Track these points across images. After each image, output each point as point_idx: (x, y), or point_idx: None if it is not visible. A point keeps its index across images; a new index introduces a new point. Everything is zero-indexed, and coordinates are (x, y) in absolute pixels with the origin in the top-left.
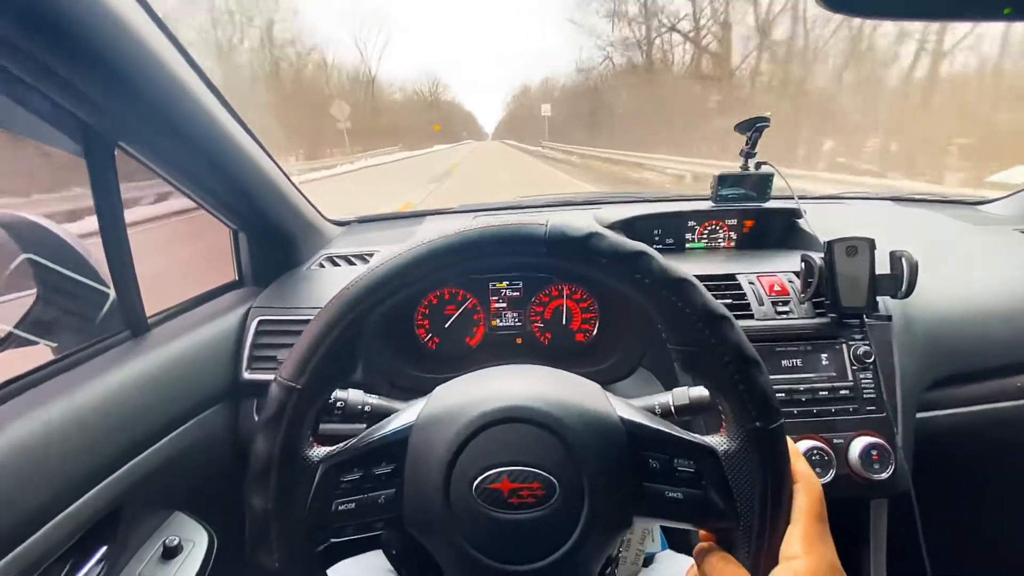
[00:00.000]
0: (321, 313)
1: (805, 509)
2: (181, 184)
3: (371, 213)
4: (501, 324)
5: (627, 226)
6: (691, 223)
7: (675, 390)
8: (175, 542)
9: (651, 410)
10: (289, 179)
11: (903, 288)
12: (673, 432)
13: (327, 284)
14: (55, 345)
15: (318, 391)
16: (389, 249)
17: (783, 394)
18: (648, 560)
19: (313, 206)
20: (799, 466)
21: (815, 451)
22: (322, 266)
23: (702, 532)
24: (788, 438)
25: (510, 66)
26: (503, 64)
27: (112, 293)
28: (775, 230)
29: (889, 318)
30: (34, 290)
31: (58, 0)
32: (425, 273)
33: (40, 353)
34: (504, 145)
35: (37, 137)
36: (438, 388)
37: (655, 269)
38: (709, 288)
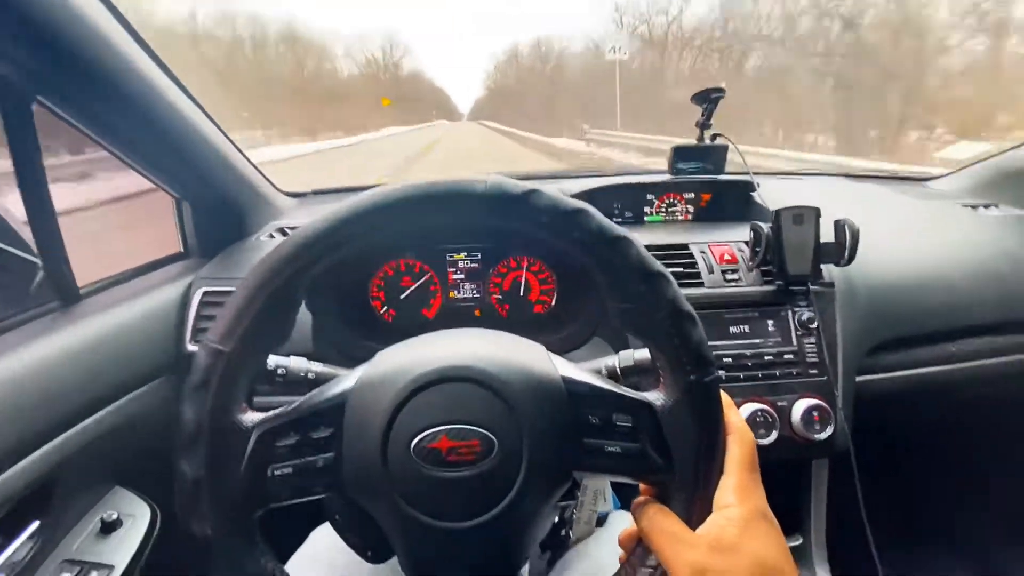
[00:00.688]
0: (250, 274)
1: (738, 459)
2: (115, 148)
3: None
4: (459, 296)
5: (587, 198)
6: (649, 196)
7: (621, 353)
8: (113, 516)
9: (597, 371)
10: (237, 147)
11: (845, 256)
12: (612, 388)
13: None
14: None
15: (248, 355)
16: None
17: (730, 359)
18: (601, 520)
19: (265, 176)
20: (732, 417)
21: (760, 413)
22: (272, 237)
23: (641, 487)
24: (722, 393)
25: (490, 31)
26: (483, 31)
27: (39, 262)
28: (730, 203)
29: (832, 285)
30: None
31: None
32: (361, 231)
33: None
34: (484, 128)
35: None
36: (379, 352)
37: (594, 227)
38: (661, 257)
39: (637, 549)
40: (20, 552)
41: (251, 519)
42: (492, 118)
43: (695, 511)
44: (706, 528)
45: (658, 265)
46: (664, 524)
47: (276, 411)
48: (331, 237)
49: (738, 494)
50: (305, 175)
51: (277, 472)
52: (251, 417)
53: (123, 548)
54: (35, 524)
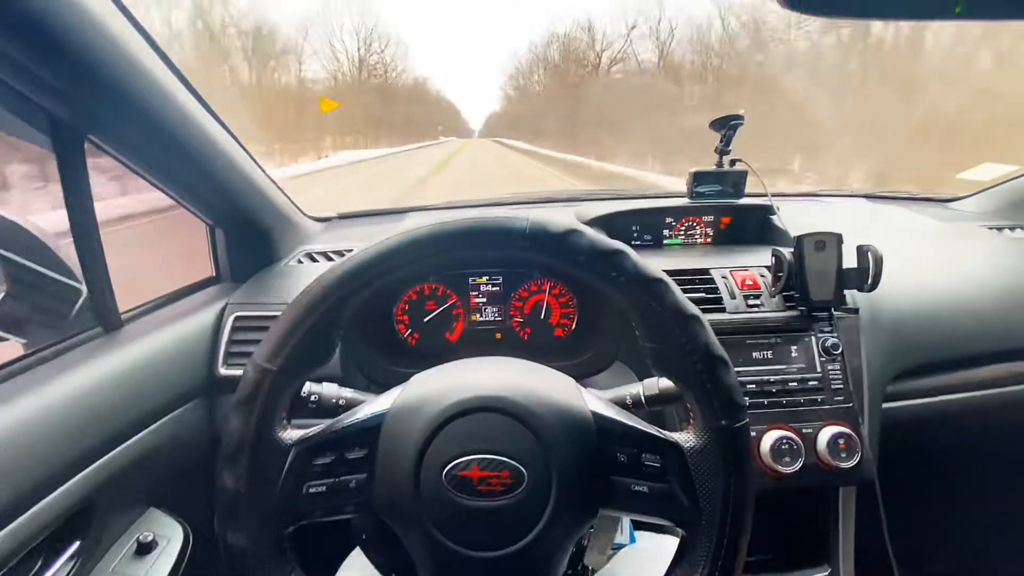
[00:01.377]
0: (299, 297)
1: None
2: (154, 178)
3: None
4: (481, 319)
5: (606, 222)
6: (668, 219)
7: (646, 380)
8: (149, 538)
9: (622, 400)
10: (267, 174)
11: (869, 281)
12: (642, 427)
13: (305, 280)
14: (25, 342)
15: (292, 374)
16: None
17: (754, 385)
18: (617, 550)
19: (292, 202)
20: None
21: (785, 440)
22: (300, 262)
23: None
24: None
25: (501, 45)
26: (493, 43)
27: (84, 289)
28: (750, 226)
29: (856, 311)
30: (3, 286)
31: None
32: (406, 262)
33: (10, 350)
34: (501, 147)
35: (4, 130)
36: (414, 377)
37: (630, 268)
38: (683, 282)
39: None
40: (62, 572)
41: (283, 534)
42: (511, 134)
43: None
44: None
45: (693, 308)
46: None
47: (315, 429)
48: (382, 265)
49: None
50: None
51: (312, 489)
52: (291, 434)
53: (158, 569)
54: (75, 545)
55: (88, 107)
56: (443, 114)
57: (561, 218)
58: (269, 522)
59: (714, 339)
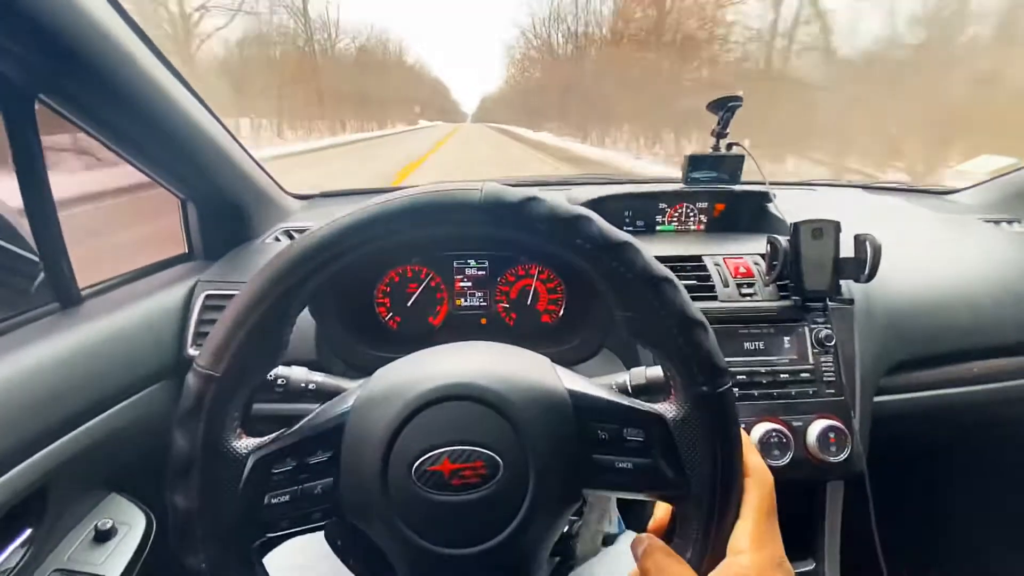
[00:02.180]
0: (241, 293)
1: (755, 504)
2: (119, 148)
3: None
4: (465, 304)
5: (596, 206)
6: (662, 205)
7: (633, 370)
8: (108, 525)
9: (607, 388)
10: (244, 148)
11: (866, 272)
12: (621, 401)
13: None
14: None
15: (240, 379)
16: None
17: (744, 376)
18: (607, 540)
19: (272, 178)
20: (752, 459)
21: (774, 433)
22: (278, 240)
23: (649, 526)
24: (742, 432)
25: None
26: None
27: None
28: (745, 213)
29: (851, 302)
30: None
31: None
32: (355, 244)
33: None
34: (500, 136)
35: None
36: (378, 371)
37: (595, 233)
38: (675, 269)
39: None
40: (11, 560)
41: (248, 549)
42: (510, 119)
43: (706, 555)
44: (716, 575)
45: (664, 270)
46: (671, 570)
47: (271, 436)
48: (325, 252)
49: (754, 540)
50: None
51: (274, 500)
52: (246, 443)
53: (117, 557)
54: (27, 532)
55: (39, 64)
56: (429, 94)
57: (519, 189)
58: (230, 540)
59: (690, 302)
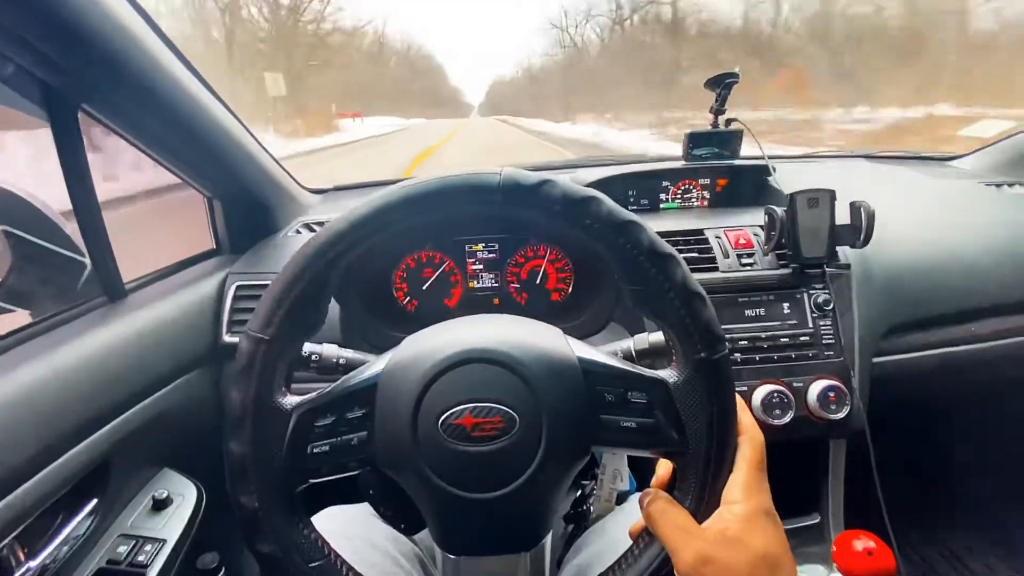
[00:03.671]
0: (284, 268)
1: (747, 458)
2: (151, 150)
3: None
4: (478, 285)
5: (602, 187)
6: (665, 183)
7: (636, 336)
8: (164, 495)
9: (613, 355)
10: (263, 147)
11: (861, 238)
12: (626, 367)
13: None
14: (32, 313)
15: (286, 342)
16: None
17: (746, 342)
18: (621, 498)
19: (289, 174)
20: (744, 418)
21: (776, 394)
22: (299, 232)
23: (652, 481)
24: (737, 397)
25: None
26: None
27: (88, 262)
28: (747, 188)
29: (848, 267)
30: (9, 260)
31: None
32: (383, 225)
33: (16, 321)
34: (515, 132)
35: None
36: (406, 339)
37: (604, 213)
38: (677, 243)
39: (643, 537)
40: (81, 527)
41: (293, 493)
42: (524, 110)
43: (703, 504)
44: (712, 522)
45: (667, 247)
46: (672, 515)
47: (313, 394)
48: (359, 230)
49: (745, 491)
50: None
51: (316, 450)
52: (291, 400)
53: (174, 524)
54: (93, 502)
55: (82, 76)
56: (423, 82)
57: (534, 172)
58: (277, 483)
59: (690, 276)
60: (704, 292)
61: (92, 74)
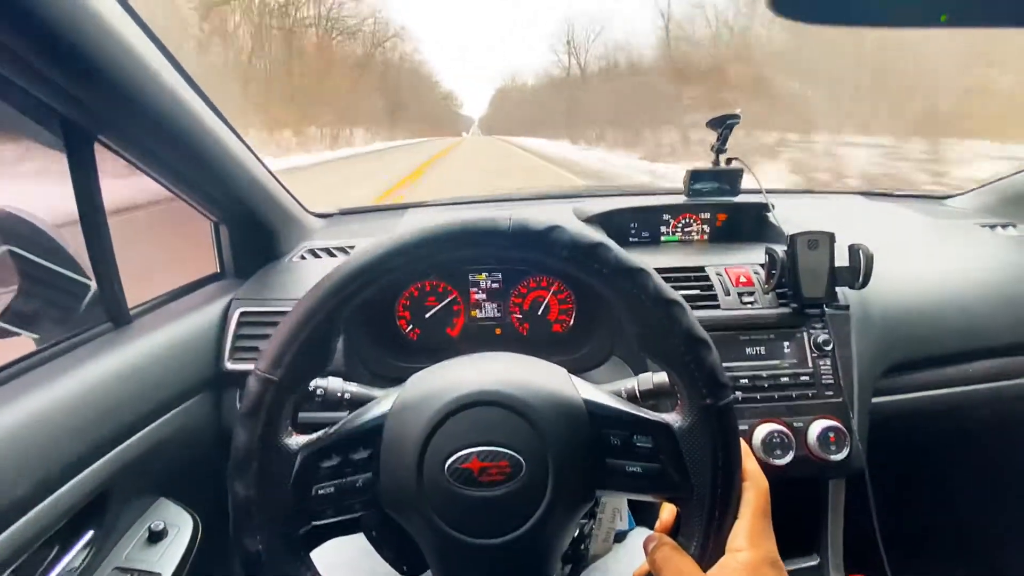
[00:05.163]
0: (295, 308)
1: (752, 505)
2: (161, 177)
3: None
4: (481, 315)
5: (604, 220)
6: (666, 216)
7: (640, 376)
8: (160, 527)
9: (617, 395)
10: (270, 172)
11: (860, 279)
12: (632, 411)
13: (308, 276)
14: (37, 337)
15: (294, 382)
16: (365, 242)
17: (747, 380)
18: (619, 537)
19: (295, 198)
20: (749, 465)
21: (776, 434)
22: (303, 258)
23: (657, 525)
24: (742, 442)
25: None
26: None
27: (93, 284)
28: (746, 224)
29: (847, 308)
30: (15, 282)
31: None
32: (393, 267)
33: (22, 345)
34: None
35: (17, 131)
36: (411, 377)
37: (612, 259)
38: (679, 279)
39: None
40: (76, 560)
41: (296, 534)
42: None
43: (708, 551)
44: (716, 570)
45: (673, 293)
46: (677, 563)
47: (318, 434)
48: (372, 271)
49: (750, 539)
50: None
51: (321, 491)
52: (296, 440)
53: (169, 556)
54: (89, 533)
55: (98, 110)
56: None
57: (542, 216)
58: (282, 525)
59: (696, 323)
60: (709, 339)
61: (108, 108)
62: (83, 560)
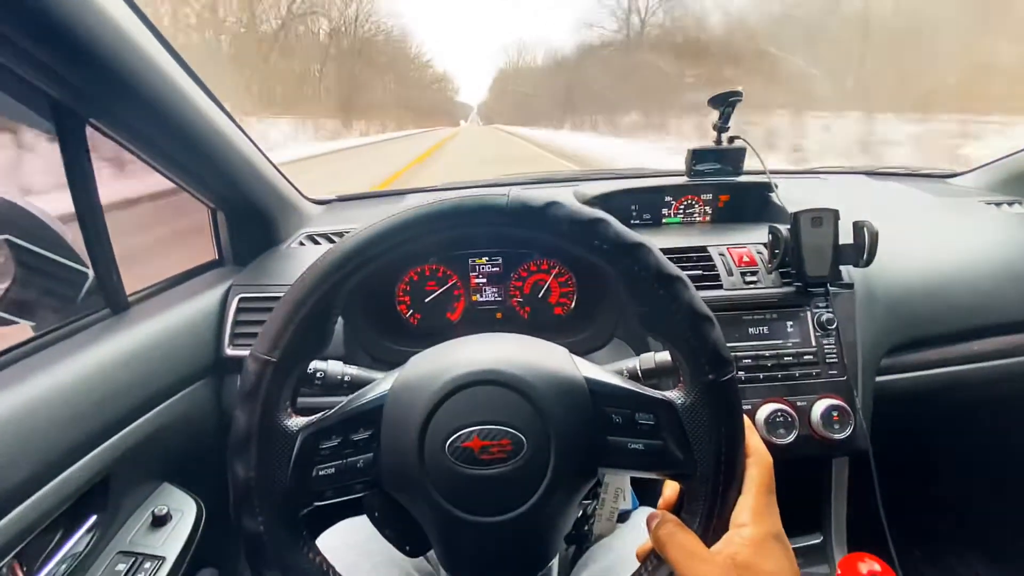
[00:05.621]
0: (292, 288)
1: (756, 481)
2: (156, 162)
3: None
4: (481, 299)
5: (605, 201)
6: (667, 198)
7: (642, 355)
8: (164, 511)
9: (619, 374)
10: (267, 158)
11: (864, 257)
12: (633, 388)
13: (306, 262)
14: (35, 325)
15: (292, 363)
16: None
17: (750, 360)
18: (622, 517)
19: (292, 185)
20: (752, 441)
21: (779, 413)
22: (302, 244)
23: (660, 502)
24: (745, 418)
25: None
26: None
27: (91, 273)
28: (749, 204)
29: (851, 286)
30: (12, 271)
31: None
32: (391, 246)
33: (20, 333)
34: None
35: (6, 115)
36: (412, 358)
37: (611, 235)
38: (681, 260)
39: (651, 560)
40: (80, 544)
41: (298, 516)
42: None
43: (712, 527)
44: (721, 546)
45: (675, 269)
46: (681, 539)
47: (319, 415)
48: (367, 251)
49: (754, 515)
50: None
51: (321, 472)
52: (296, 421)
53: (173, 540)
54: (93, 518)
55: (90, 91)
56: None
57: (541, 193)
58: (283, 506)
59: (698, 298)
60: (711, 314)
61: (100, 90)
62: (87, 544)
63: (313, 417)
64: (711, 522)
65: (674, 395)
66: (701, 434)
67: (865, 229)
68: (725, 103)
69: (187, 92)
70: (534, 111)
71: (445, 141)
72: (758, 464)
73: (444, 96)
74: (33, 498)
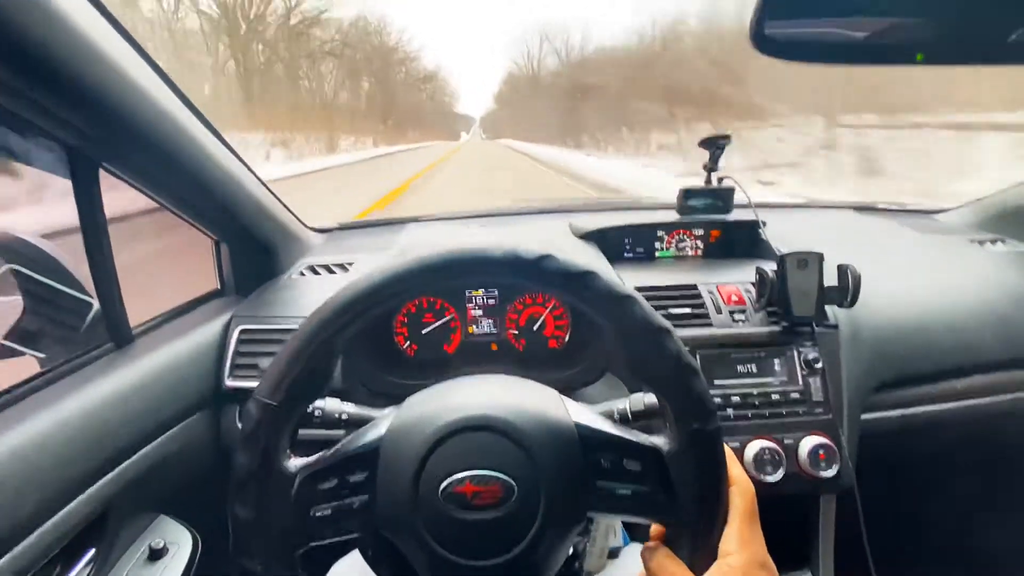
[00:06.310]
0: (296, 333)
1: (740, 510)
2: (163, 199)
3: (352, 220)
4: (477, 331)
5: (600, 236)
6: (660, 233)
7: (632, 396)
8: (160, 544)
9: (610, 415)
10: (268, 189)
11: (848, 299)
12: (622, 434)
13: (308, 293)
14: (42, 356)
15: (293, 407)
16: (366, 260)
17: (738, 397)
18: (613, 554)
19: (293, 214)
20: (734, 470)
21: (767, 451)
22: (303, 275)
23: (652, 532)
24: (726, 445)
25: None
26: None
27: (95, 303)
28: (739, 240)
29: (836, 326)
30: (19, 301)
31: (34, 35)
32: (389, 296)
33: (27, 363)
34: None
35: (25, 160)
36: (407, 400)
37: (601, 287)
38: (672, 297)
39: None
40: None
41: (295, 556)
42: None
43: (699, 557)
44: (709, 575)
45: (661, 320)
46: (671, 569)
47: (316, 456)
48: (371, 299)
49: (739, 543)
50: None
51: (319, 513)
52: (295, 462)
53: (169, 574)
54: (91, 552)
55: (102, 139)
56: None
57: (534, 244)
58: (281, 546)
59: (683, 349)
60: (697, 365)
61: (112, 137)
62: None
63: (311, 458)
64: (698, 551)
65: (660, 441)
66: (686, 480)
67: (849, 272)
68: (714, 146)
69: (193, 131)
70: (547, 125)
71: (437, 163)
72: (741, 494)
73: (439, 102)
74: (36, 534)
